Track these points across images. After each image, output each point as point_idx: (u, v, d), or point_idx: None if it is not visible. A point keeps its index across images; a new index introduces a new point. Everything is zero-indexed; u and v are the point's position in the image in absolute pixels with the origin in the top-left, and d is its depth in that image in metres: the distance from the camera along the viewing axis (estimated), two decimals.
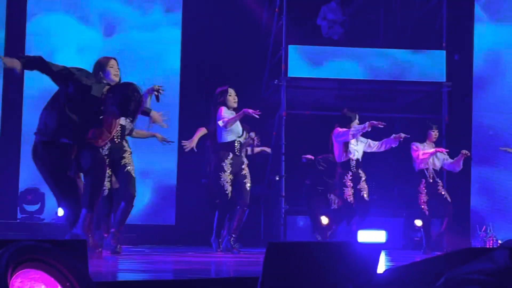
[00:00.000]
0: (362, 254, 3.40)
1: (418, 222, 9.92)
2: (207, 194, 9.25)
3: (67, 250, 2.87)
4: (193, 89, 9.70)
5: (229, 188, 8.00)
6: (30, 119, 10.58)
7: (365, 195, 8.99)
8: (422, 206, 9.30)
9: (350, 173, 8.94)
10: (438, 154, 9.43)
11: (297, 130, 11.10)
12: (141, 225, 10.71)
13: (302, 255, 3.16)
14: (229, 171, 8.03)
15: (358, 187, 8.96)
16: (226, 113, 8.08)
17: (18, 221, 10.20)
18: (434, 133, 9.46)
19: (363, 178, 9.01)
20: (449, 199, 9.42)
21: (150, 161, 10.92)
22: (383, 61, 11.17)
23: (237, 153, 8.11)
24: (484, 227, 9.99)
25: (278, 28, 11.50)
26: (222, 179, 8.01)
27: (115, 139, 7.02)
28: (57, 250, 2.83)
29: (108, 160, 6.85)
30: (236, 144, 8.12)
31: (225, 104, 8.15)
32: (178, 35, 11.46)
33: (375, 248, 3.52)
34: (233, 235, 8.08)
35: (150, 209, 10.98)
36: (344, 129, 8.89)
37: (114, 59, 6.93)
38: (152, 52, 11.39)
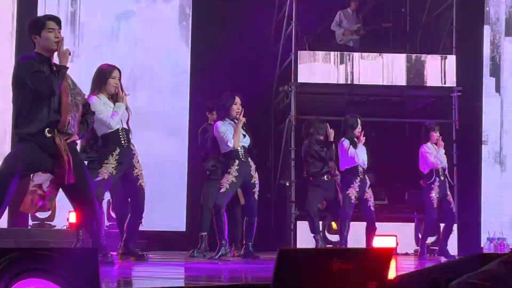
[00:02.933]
0: (373, 260, 3.40)
1: None
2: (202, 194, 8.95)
3: (78, 257, 2.87)
4: (203, 96, 9.68)
5: (227, 187, 7.94)
6: None
7: (371, 206, 9.02)
8: (433, 201, 9.31)
9: (358, 179, 8.95)
10: (443, 151, 9.50)
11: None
12: (151, 231, 10.70)
13: (313, 261, 3.17)
14: (235, 175, 7.98)
15: (365, 197, 8.97)
16: (221, 128, 8.03)
17: (29, 228, 10.20)
18: (436, 134, 9.50)
19: (369, 184, 9.03)
20: (454, 209, 9.48)
21: (161, 166, 10.94)
22: (393, 66, 11.15)
23: (243, 159, 8.08)
24: (495, 232, 9.96)
25: (287, 34, 11.51)
26: (224, 178, 7.96)
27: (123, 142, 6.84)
28: (64, 258, 2.82)
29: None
30: (240, 150, 8.06)
31: (227, 113, 8.12)
32: (187, 43, 11.46)
33: (386, 254, 3.52)
34: (250, 243, 8.09)
35: (161, 215, 10.96)
36: (346, 149, 8.95)
37: (118, 69, 6.90)
38: (162, 58, 11.38)
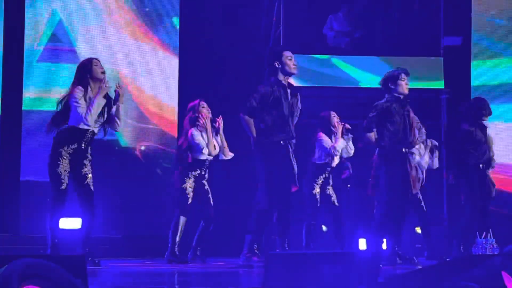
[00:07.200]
0: (363, 264, 3.40)
1: (418, 230, 9.94)
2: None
3: (66, 265, 2.88)
4: (191, 101, 9.65)
5: (191, 194, 8.13)
6: (29, 132, 10.55)
7: (335, 201, 9.08)
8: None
9: (322, 177, 9.02)
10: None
11: (296, 138, 11.08)
12: (137, 235, 10.64)
13: (301, 265, 3.17)
14: (192, 179, 8.16)
15: (327, 192, 9.04)
16: (197, 139, 8.23)
17: (20, 235, 10.17)
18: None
19: (331, 183, 9.11)
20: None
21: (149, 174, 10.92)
22: (381, 68, 11.18)
23: (202, 172, 8.25)
24: (484, 233, 9.95)
25: (276, 37, 11.52)
26: (185, 184, 8.13)
27: (83, 145, 6.89)
28: (56, 266, 2.83)
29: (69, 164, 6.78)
30: (206, 163, 8.29)
31: (195, 123, 8.29)
32: (176, 43, 11.43)
33: (375, 257, 3.52)
34: (199, 247, 8.26)
35: (147, 220, 10.88)
36: (328, 141, 9.14)
37: (96, 59, 7.04)
38: (151, 60, 11.35)
